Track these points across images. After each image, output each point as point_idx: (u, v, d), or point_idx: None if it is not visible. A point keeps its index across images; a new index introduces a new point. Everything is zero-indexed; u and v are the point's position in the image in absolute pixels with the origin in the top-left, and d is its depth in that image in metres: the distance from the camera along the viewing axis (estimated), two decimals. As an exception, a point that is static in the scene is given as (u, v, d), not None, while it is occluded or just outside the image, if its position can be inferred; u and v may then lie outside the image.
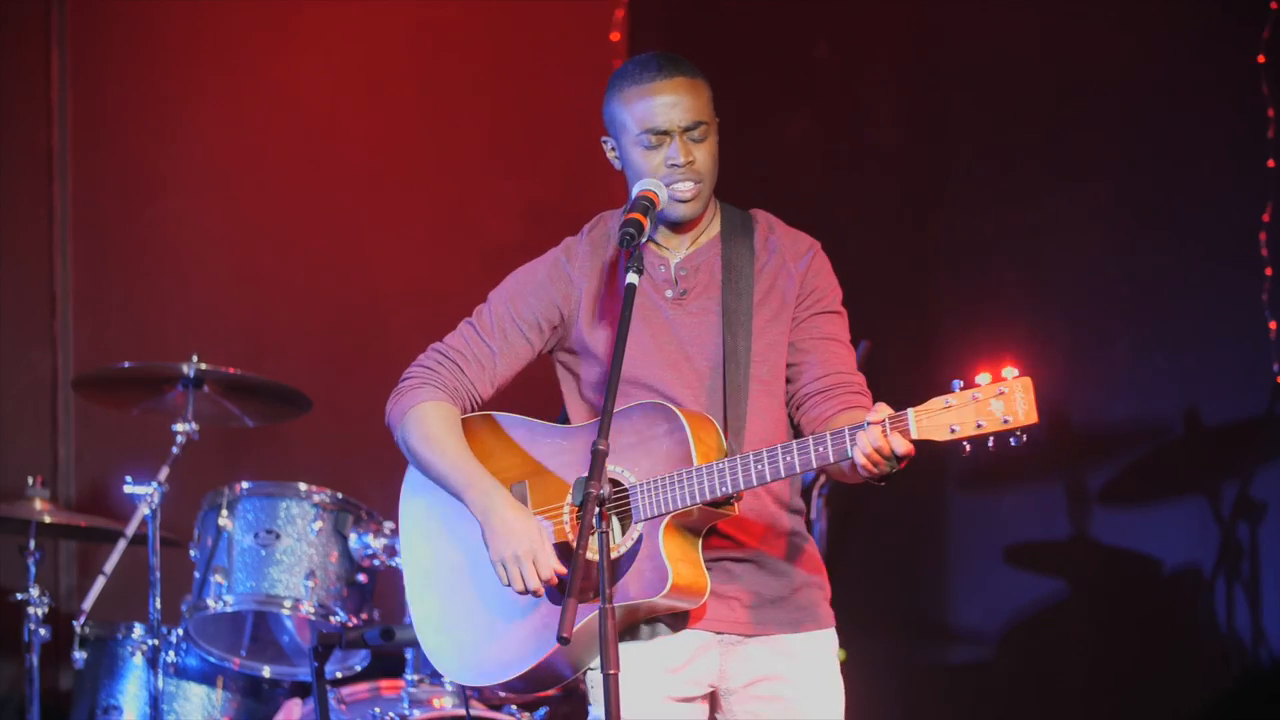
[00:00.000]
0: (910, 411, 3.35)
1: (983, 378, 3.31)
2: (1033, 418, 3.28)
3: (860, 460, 3.34)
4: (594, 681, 3.62)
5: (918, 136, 6.79)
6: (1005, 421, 3.28)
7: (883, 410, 3.36)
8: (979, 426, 3.30)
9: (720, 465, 3.46)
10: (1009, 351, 6.41)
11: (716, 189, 3.76)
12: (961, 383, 3.33)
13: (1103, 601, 6.24)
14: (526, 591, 3.52)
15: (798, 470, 3.42)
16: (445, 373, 3.72)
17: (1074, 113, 6.35)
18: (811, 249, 3.80)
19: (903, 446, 3.33)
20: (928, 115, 6.77)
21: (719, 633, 3.61)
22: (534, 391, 3.98)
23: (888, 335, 6.33)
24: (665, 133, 3.62)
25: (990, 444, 3.31)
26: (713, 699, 3.67)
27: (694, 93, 3.64)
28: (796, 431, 3.75)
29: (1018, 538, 6.42)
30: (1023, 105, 6.48)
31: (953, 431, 3.31)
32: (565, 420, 3.78)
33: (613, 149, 3.71)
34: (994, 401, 3.29)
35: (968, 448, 3.33)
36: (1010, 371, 3.30)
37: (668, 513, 3.49)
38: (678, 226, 3.69)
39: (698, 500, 3.47)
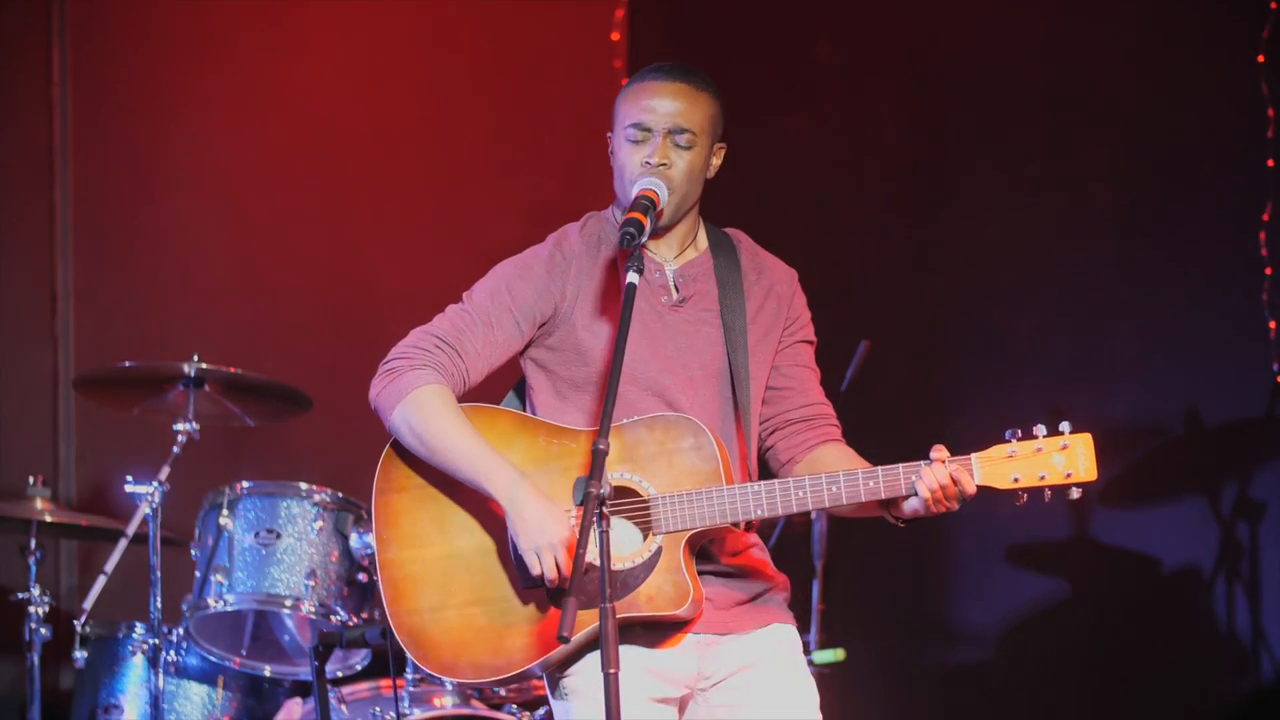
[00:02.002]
0: (974, 457, 3.43)
1: (1040, 429, 3.40)
2: (1093, 474, 3.40)
3: (925, 495, 3.40)
4: (568, 687, 3.59)
5: (918, 136, 6.80)
6: (1067, 476, 3.39)
7: (943, 452, 3.43)
8: (1041, 478, 3.40)
9: (758, 488, 3.48)
10: (1009, 351, 6.42)
11: (711, 194, 3.77)
12: (1018, 432, 3.41)
13: (1103, 601, 6.24)
14: (559, 581, 3.48)
15: (843, 501, 3.47)
16: (443, 357, 3.65)
17: (1074, 112, 6.35)
18: (794, 276, 3.85)
19: (970, 487, 3.41)
20: (928, 115, 6.77)
21: (697, 633, 3.61)
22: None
23: (888, 335, 6.34)
24: (649, 130, 3.63)
25: (1047, 496, 3.41)
26: (683, 702, 3.66)
27: (690, 100, 3.66)
28: (764, 455, 3.78)
29: (1018, 538, 6.42)
30: (1023, 105, 6.48)
31: (1015, 481, 3.41)
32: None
33: (611, 144, 3.73)
34: (1056, 455, 3.39)
35: (1024, 497, 3.41)
36: (1066, 425, 3.40)
37: (695, 529, 3.50)
38: (657, 231, 3.69)
39: (728, 520, 3.49)
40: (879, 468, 3.45)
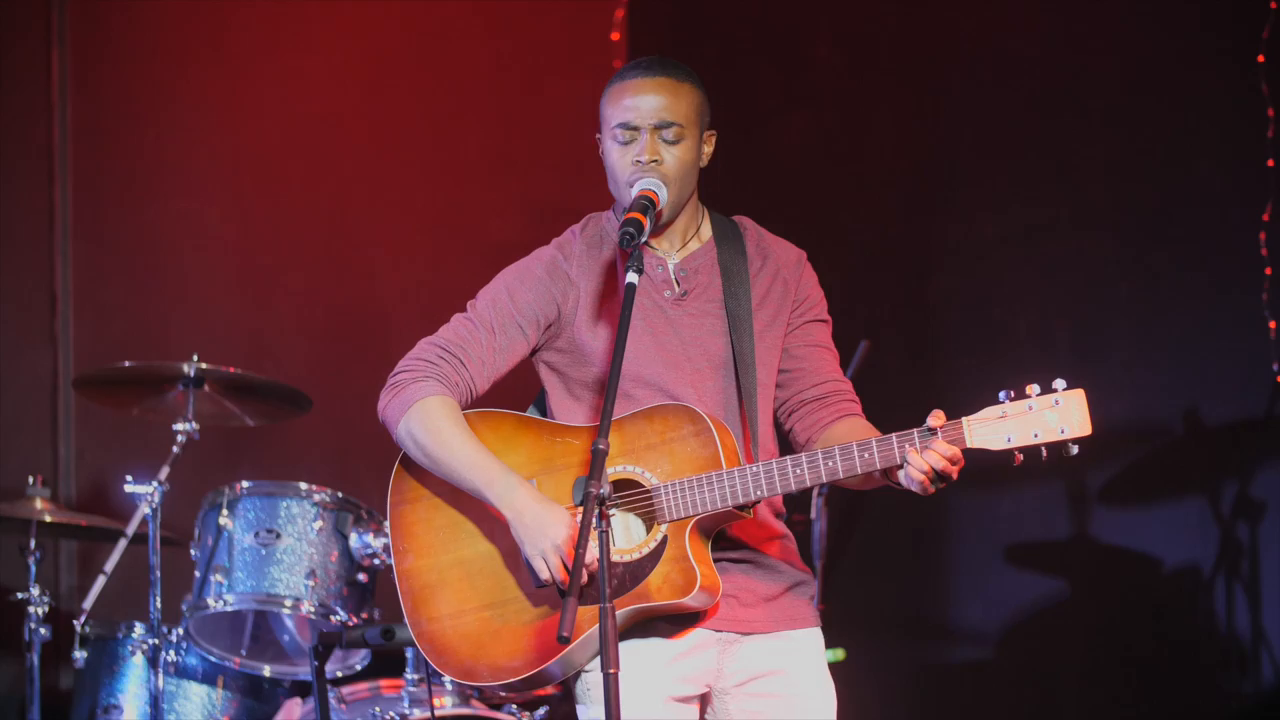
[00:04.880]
0: (965, 420, 3.40)
1: (1033, 388, 3.37)
2: (1087, 429, 3.34)
3: (918, 479, 3.38)
4: (589, 683, 3.60)
5: (918, 136, 6.80)
6: (1061, 432, 3.35)
7: (940, 416, 3.40)
8: (1035, 437, 3.36)
9: (755, 469, 3.47)
10: (1008, 351, 6.42)
11: (712, 194, 3.77)
12: (1011, 393, 3.38)
13: (1103, 601, 6.24)
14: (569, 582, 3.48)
15: (840, 476, 3.45)
16: (448, 367, 3.67)
17: (1074, 112, 6.35)
18: (802, 257, 3.83)
19: (951, 452, 3.37)
20: (928, 115, 6.77)
21: (717, 630, 3.61)
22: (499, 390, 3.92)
23: (888, 335, 6.34)
24: (636, 129, 3.63)
25: (1044, 455, 3.37)
26: (704, 699, 3.66)
27: (673, 94, 3.64)
28: (784, 437, 3.77)
29: (1018, 538, 6.42)
30: (1022, 105, 6.48)
31: (1009, 441, 3.37)
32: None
33: (600, 145, 3.73)
34: (1048, 413, 3.35)
35: (1020, 458, 3.38)
36: (1060, 383, 3.36)
37: (697, 515, 3.49)
38: (660, 226, 3.69)
39: (729, 503, 3.48)
40: (873, 439, 3.44)
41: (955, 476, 3.40)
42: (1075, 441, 3.34)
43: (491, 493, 3.57)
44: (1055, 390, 3.35)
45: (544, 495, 3.56)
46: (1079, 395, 3.34)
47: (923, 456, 3.37)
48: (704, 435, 3.52)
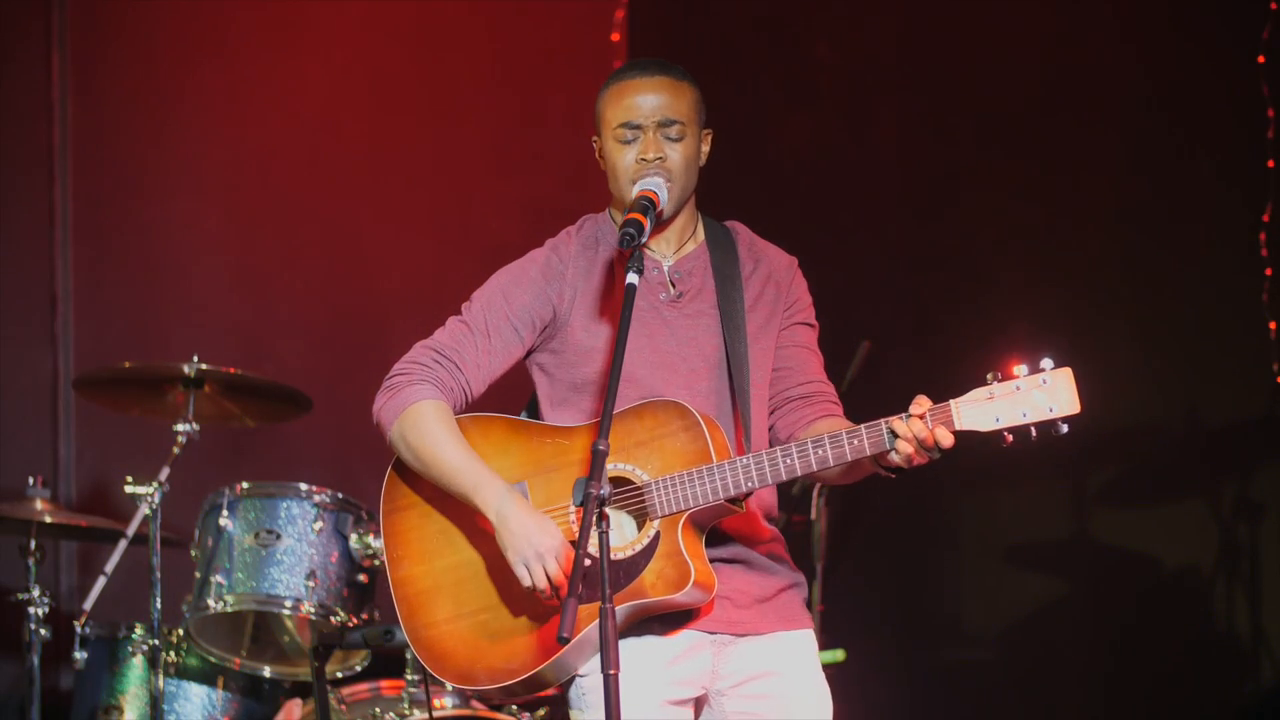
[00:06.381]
0: (953, 403, 3.40)
1: (1021, 369, 3.36)
2: (1075, 407, 3.34)
3: (906, 451, 3.38)
4: (584, 688, 3.60)
5: (918, 136, 6.79)
6: (1050, 411, 3.34)
7: (924, 403, 3.40)
8: (1023, 417, 3.35)
9: (745, 460, 3.48)
10: (1008, 351, 6.42)
11: (707, 197, 3.77)
12: (999, 374, 3.37)
13: (1103, 601, 6.24)
14: (550, 592, 3.48)
15: (831, 464, 3.45)
16: (442, 371, 3.67)
17: (1074, 112, 6.35)
18: (793, 263, 3.85)
19: (947, 440, 3.39)
20: (928, 115, 6.77)
21: (712, 632, 3.61)
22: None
23: (888, 335, 6.34)
24: (639, 128, 3.64)
25: (1033, 434, 3.36)
26: (699, 702, 3.66)
27: (674, 93, 3.67)
28: (771, 434, 3.78)
29: (1018, 538, 6.42)
30: (1023, 105, 6.48)
31: (997, 421, 3.37)
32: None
33: (598, 147, 3.74)
34: (1036, 392, 3.34)
35: (1010, 438, 3.37)
36: (1048, 362, 3.35)
37: (689, 509, 3.49)
38: (657, 226, 3.69)
39: (720, 496, 3.48)
40: (862, 425, 3.44)
41: (938, 455, 3.39)
42: (1064, 420, 3.33)
43: (479, 498, 3.57)
44: (1043, 370, 3.35)
45: (531, 505, 3.56)
46: (1066, 373, 3.34)
47: (908, 424, 3.38)
48: (693, 430, 3.53)
